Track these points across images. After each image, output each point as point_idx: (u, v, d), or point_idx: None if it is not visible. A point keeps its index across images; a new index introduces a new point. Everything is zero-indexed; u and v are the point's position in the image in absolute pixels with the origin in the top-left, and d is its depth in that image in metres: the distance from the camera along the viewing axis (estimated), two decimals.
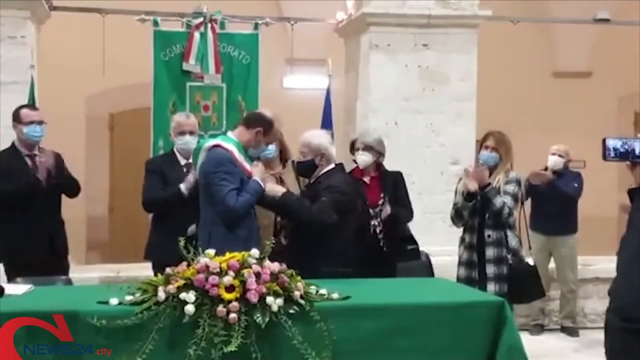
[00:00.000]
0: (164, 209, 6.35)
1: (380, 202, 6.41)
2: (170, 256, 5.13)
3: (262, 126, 5.67)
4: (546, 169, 8.53)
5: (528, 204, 8.25)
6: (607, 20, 9.73)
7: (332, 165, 5.89)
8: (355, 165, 6.63)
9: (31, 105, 6.86)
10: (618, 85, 12.68)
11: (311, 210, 5.57)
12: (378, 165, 6.58)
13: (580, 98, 13.14)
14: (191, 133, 6.48)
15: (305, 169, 5.93)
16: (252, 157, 5.73)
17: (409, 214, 6.60)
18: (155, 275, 5.70)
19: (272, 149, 6.14)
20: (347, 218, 5.73)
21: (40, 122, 6.50)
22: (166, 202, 6.31)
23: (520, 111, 12.50)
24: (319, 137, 5.93)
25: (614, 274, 3.52)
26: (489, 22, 8.94)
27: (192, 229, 6.01)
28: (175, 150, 6.54)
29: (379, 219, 6.37)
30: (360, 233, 6.10)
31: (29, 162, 6.49)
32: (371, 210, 6.40)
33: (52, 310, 3.96)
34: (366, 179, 6.48)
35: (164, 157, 6.79)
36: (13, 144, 6.58)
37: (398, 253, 6.40)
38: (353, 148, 6.64)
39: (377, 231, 6.38)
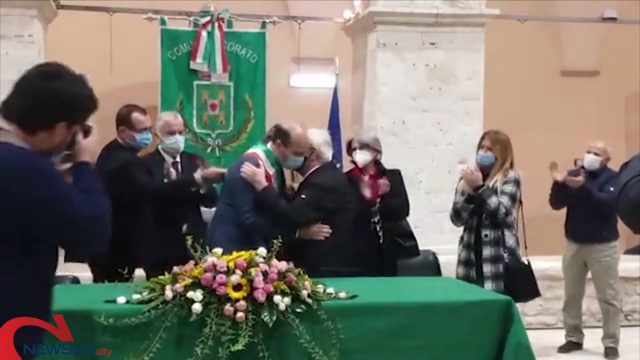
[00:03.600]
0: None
1: (379, 199, 6.45)
2: (161, 257, 5.15)
3: (279, 138, 5.74)
4: (582, 167, 7.77)
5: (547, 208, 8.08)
6: (614, 19, 9.73)
7: (319, 164, 5.91)
8: (353, 166, 6.67)
9: (138, 107, 6.45)
10: (625, 84, 12.64)
11: (284, 208, 5.64)
12: (376, 163, 6.61)
13: (588, 97, 13.13)
14: (180, 132, 6.45)
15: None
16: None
17: (406, 208, 6.66)
18: (148, 276, 5.71)
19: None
20: (338, 217, 5.77)
21: (151, 127, 6.37)
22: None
23: (527, 110, 12.48)
24: (314, 134, 5.97)
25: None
26: (496, 21, 8.94)
27: (185, 228, 6.02)
28: (160, 149, 6.44)
29: (378, 217, 6.42)
30: (360, 230, 6.14)
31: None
32: (371, 209, 6.46)
33: (52, 310, 3.95)
34: (365, 178, 6.50)
35: (150, 156, 6.57)
36: (117, 143, 6.35)
37: (396, 249, 6.43)
38: (350, 148, 6.68)
39: (377, 228, 6.43)
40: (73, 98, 2.85)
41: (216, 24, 8.33)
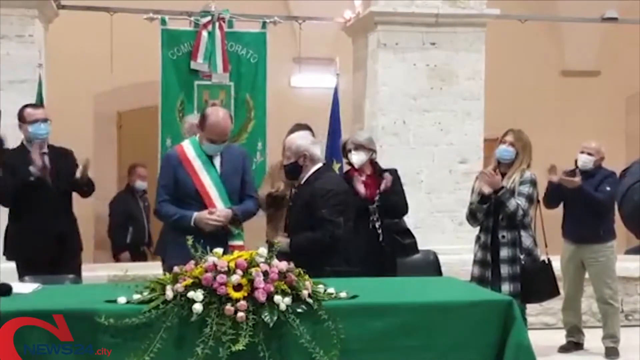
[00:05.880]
0: None
1: (377, 197, 6.48)
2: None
3: (198, 121, 5.91)
4: (576, 168, 7.76)
5: (559, 208, 7.96)
6: (615, 19, 9.72)
7: (319, 165, 5.95)
8: (349, 167, 6.70)
9: (34, 104, 6.85)
10: (626, 84, 12.65)
11: (321, 237, 5.68)
12: (372, 163, 6.64)
13: (588, 97, 13.13)
14: None
15: (290, 171, 5.97)
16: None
17: (405, 206, 6.69)
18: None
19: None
20: (343, 216, 5.83)
21: (45, 120, 6.52)
22: None
23: (528, 110, 12.46)
24: (299, 138, 6.02)
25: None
26: (497, 21, 8.94)
27: None
28: None
29: (376, 215, 6.43)
30: (360, 228, 6.16)
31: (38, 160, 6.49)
32: (370, 207, 6.48)
33: (52, 310, 3.96)
34: (362, 177, 6.52)
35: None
36: (22, 143, 6.60)
37: (395, 247, 6.45)
38: (345, 150, 6.71)
39: (377, 226, 6.44)
40: None
41: (217, 24, 8.32)
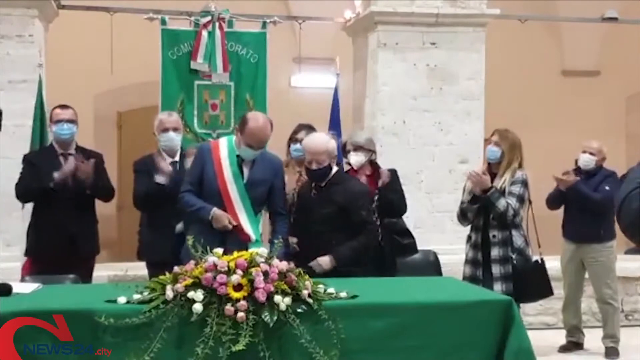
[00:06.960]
0: (155, 201, 6.31)
1: (376, 197, 6.48)
2: (162, 254, 5.40)
3: (238, 125, 5.85)
4: (578, 168, 7.83)
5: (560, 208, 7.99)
6: (615, 19, 9.72)
7: (336, 167, 6.03)
8: (349, 167, 6.72)
9: (64, 104, 6.77)
10: (626, 84, 12.65)
11: (365, 241, 5.83)
12: (372, 163, 6.64)
13: (589, 97, 13.13)
14: (174, 130, 6.50)
15: (322, 175, 5.91)
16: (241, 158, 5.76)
17: (403, 205, 6.69)
18: (150, 274, 5.88)
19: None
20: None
21: (69, 121, 6.56)
22: (156, 193, 6.31)
23: (528, 110, 12.48)
24: (329, 141, 6.01)
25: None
26: (497, 21, 8.94)
27: (179, 227, 6.05)
28: (160, 149, 6.52)
29: (376, 215, 6.45)
30: None
31: (62, 160, 6.53)
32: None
33: (52, 310, 3.96)
34: (362, 178, 6.53)
35: (151, 157, 6.62)
36: (51, 143, 6.74)
37: (394, 247, 6.46)
38: (344, 150, 6.71)
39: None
40: None
41: (217, 24, 8.31)
